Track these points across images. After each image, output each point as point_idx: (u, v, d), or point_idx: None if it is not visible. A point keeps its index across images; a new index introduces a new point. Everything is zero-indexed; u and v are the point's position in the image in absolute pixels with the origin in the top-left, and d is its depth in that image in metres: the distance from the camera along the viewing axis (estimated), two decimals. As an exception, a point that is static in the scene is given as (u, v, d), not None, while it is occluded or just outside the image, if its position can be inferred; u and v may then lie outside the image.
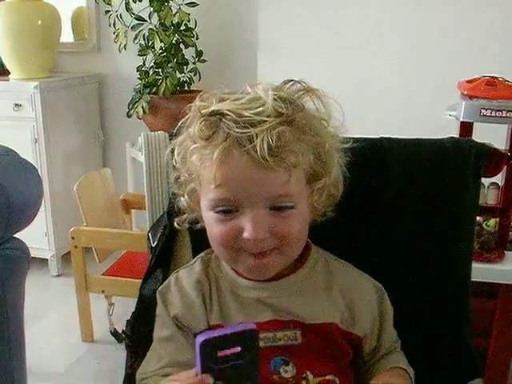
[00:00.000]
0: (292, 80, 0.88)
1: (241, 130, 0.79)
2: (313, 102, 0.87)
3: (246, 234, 0.82)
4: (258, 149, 0.78)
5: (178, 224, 0.97)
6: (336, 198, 0.92)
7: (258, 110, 0.80)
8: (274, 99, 0.82)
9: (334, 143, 0.89)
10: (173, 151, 0.92)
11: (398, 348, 0.97)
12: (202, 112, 0.83)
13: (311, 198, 0.88)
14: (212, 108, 0.83)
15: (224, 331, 0.74)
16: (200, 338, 0.73)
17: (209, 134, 0.82)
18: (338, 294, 0.92)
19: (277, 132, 0.79)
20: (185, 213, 0.95)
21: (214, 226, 0.86)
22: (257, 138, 0.78)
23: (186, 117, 0.89)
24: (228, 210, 0.83)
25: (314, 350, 0.88)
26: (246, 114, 0.80)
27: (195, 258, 0.99)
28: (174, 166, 0.93)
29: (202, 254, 0.99)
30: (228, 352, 0.73)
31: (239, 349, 0.73)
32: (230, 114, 0.80)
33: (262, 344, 0.86)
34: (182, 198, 0.93)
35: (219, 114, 0.82)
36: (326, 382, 0.87)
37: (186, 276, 0.95)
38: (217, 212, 0.84)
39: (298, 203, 0.85)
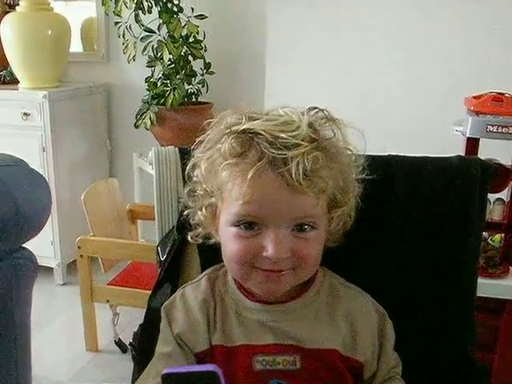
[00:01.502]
0: (316, 108, 0.89)
1: (276, 152, 0.80)
2: (332, 131, 0.88)
3: (267, 253, 0.82)
4: (293, 172, 0.79)
5: (191, 238, 0.97)
6: (347, 227, 0.93)
7: (293, 133, 0.82)
8: (309, 124, 0.84)
9: (355, 173, 0.91)
10: (194, 164, 0.92)
11: (398, 375, 0.96)
12: (233, 129, 0.84)
13: (329, 225, 0.90)
14: (244, 126, 0.83)
15: (187, 369, 0.75)
16: (164, 371, 0.74)
17: (241, 151, 0.83)
18: (340, 319, 0.92)
19: (312, 157, 0.80)
20: (199, 227, 0.95)
21: (232, 241, 0.86)
22: (292, 161, 0.79)
23: (207, 133, 0.90)
24: (251, 224, 0.83)
25: (313, 376, 0.88)
26: (281, 135, 0.81)
27: (202, 275, 0.99)
28: (189, 179, 0.94)
29: (208, 271, 0.99)
30: None
31: None
32: (264, 134, 0.81)
33: (260, 367, 0.88)
34: (199, 212, 0.93)
35: (252, 133, 0.83)
36: None
37: (192, 293, 0.95)
38: (238, 225, 0.84)
39: (319, 228, 0.86)
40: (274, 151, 0.80)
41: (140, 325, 1.04)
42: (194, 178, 0.92)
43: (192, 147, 0.93)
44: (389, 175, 1.03)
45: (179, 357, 0.91)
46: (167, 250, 1.05)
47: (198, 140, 0.91)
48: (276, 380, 0.87)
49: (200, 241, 0.97)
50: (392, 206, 1.03)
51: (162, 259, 1.06)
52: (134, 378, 1.02)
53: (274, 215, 0.82)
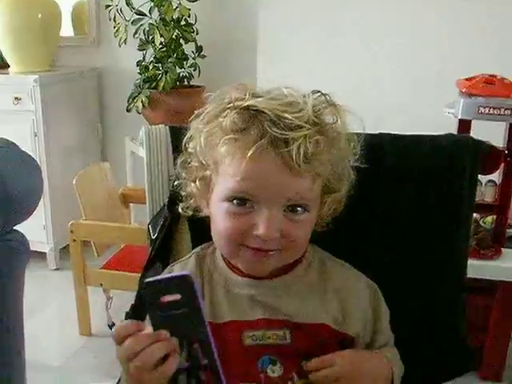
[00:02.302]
0: (319, 91, 0.88)
1: (279, 131, 0.80)
2: (334, 116, 0.87)
3: (258, 232, 0.82)
4: (294, 154, 0.79)
5: (182, 209, 0.97)
6: (337, 212, 0.93)
7: (297, 114, 0.81)
8: (313, 108, 0.83)
9: (352, 160, 0.91)
10: (191, 136, 0.92)
11: (390, 344, 0.97)
12: (236, 104, 0.84)
13: (321, 210, 0.90)
14: (248, 102, 0.83)
15: (164, 276, 0.78)
16: (144, 281, 0.76)
17: (242, 127, 0.82)
18: (331, 294, 0.92)
19: (313, 140, 0.81)
20: (190, 198, 0.95)
21: (223, 217, 0.86)
22: (293, 142, 0.79)
23: (206, 106, 0.89)
24: (244, 200, 0.83)
25: (303, 350, 0.88)
26: (285, 115, 0.81)
27: (190, 253, 0.99)
28: (185, 150, 0.93)
29: (197, 249, 0.99)
30: (169, 298, 0.74)
31: (179, 296, 0.74)
32: (267, 112, 0.81)
33: (250, 342, 0.88)
34: (192, 184, 0.93)
35: (255, 110, 0.82)
36: None
37: (180, 271, 0.95)
38: (231, 201, 0.84)
39: (311, 209, 0.86)
40: (276, 131, 0.80)
41: (131, 304, 1.04)
42: (190, 150, 0.92)
43: (190, 119, 0.92)
44: (380, 152, 1.04)
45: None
46: (158, 229, 1.05)
47: (196, 112, 0.91)
48: (267, 356, 0.87)
49: (190, 213, 0.96)
50: (383, 183, 1.04)
51: (153, 237, 1.06)
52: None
53: (269, 194, 0.82)
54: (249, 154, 0.80)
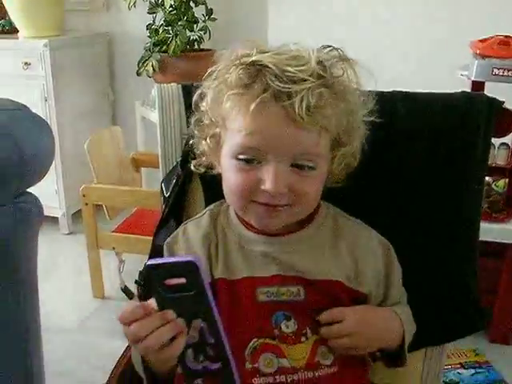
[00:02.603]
0: (330, 46, 0.87)
1: (282, 85, 0.79)
2: (346, 71, 0.87)
3: (265, 186, 0.83)
4: (296, 106, 0.79)
5: (194, 167, 0.98)
6: (351, 168, 0.93)
7: (301, 68, 0.81)
8: (317, 61, 0.83)
9: (363, 114, 0.90)
10: (202, 94, 0.92)
11: (402, 301, 0.98)
12: (242, 60, 0.84)
13: (331, 164, 0.90)
14: (253, 58, 0.83)
15: (168, 260, 0.78)
16: (148, 263, 0.75)
17: (247, 82, 0.82)
18: (344, 251, 0.92)
19: (317, 93, 0.80)
20: (202, 156, 0.96)
21: (232, 173, 0.86)
22: (296, 95, 0.79)
23: (218, 64, 0.89)
24: (251, 159, 0.84)
25: (317, 306, 0.89)
26: (288, 69, 0.80)
27: (204, 210, 1.00)
28: (196, 109, 0.94)
29: (211, 206, 1.00)
30: (174, 281, 0.74)
31: (184, 280, 0.74)
32: (271, 66, 0.81)
33: (264, 298, 0.88)
34: (204, 142, 0.93)
35: (260, 65, 0.82)
36: (324, 340, 0.87)
37: (194, 229, 0.96)
38: (239, 159, 0.84)
39: (319, 165, 0.86)
40: (279, 84, 0.80)
41: (145, 263, 1.05)
42: (202, 108, 0.92)
43: (203, 78, 0.92)
44: (392, 110, 1.03)
45: None
46: (171, 187, 1.06)
47: (209, 71, 0.91)
48: (281, 312, 0.88)
49: (202, 170, 0.97)
50: (394, 141, 1.03)
51: (166, 195, 1.06)
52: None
53: (275, 148, 0.82)
54: (251, 108, 0.80)
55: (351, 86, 0.88)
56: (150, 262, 0.75)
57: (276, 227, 0.90)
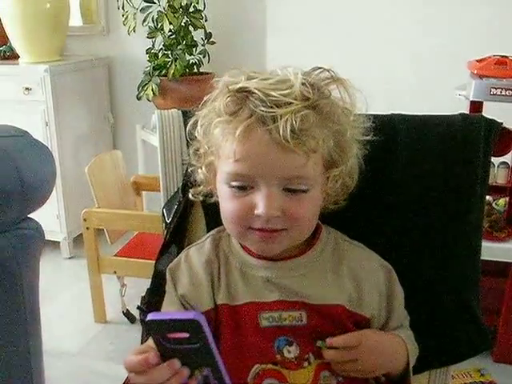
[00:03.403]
0: (321, 68, 0.88)
1: (266, 109, 0.80)
2: (339, 91, 0.87)
3: (258, 211, 0.83)
4: (281, 129, 0.79)
5: (192, 195, 0.98)
6: (349, 188, 0.93)
7: (286, 91, 0.81)
8: (302, 83, 0.83)
9: (354, 133, 0.90)
10: (196, 123, 0.93)
11: (405, 325, 0.97)
12: (230, 88, 0.84)
13: (326, 185, 0.90)
14: (240, 85, 0.84)
15: (169, 316, 0.76)
16: (147, 318, 0.74)
17: (234, 109, 0.83)
18: (346, 275, 0.92)
19: (301, 115, 0.80)
20: (200, 185, 0.96)
21: (227, 200, 0.87)
22: (281, 118, 0.79)
23: (214, 92, 0.89)
24: (243, 186, 0.84)
25: (319, 331, 0.88)
26: (273, 93, 0.81)
27: (206, 236, 1.00)
28: (191, 138, 0.95)
29: (213, 232, 1.00)
30: (177, 335, 0.74)
31: (187, 335, 0.74)
32: (257, 92, 0.81)
33: (267, 324, 0.88)
34: (200, 170, 0.94)
35: (246, 92, 0.83)
36: (327, 364, 0.87)
37: (196, 254, 0.97)
38: (232, 187, 0.85)
39: (312, 188, 0.86)
40: (263, 109, 0.80)
41: (147, 288, 1.05)
42: (197, 137, 0.93)
43: (199, 107, 0.93)
44: (392, 133, 1.03)
45: None
46: (173, 212, 1.06)
47: (204, 100, 0.92)
48: (283, 337, 0.88)
49: (201, 198, 0.98)
50: (395, 165, 1.03)
51: (168, 221, 1.06)
52: (143, 341, 1.03)
53: (264, 173, 0.82)
54: (237, 134, 0.81)
55: (340, 105, 0.88)
56: (150, 317, 0.74)
57: (275, 252, 0.90)
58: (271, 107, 0.80)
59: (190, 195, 0.99)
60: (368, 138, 0.92)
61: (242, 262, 0.94)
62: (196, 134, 0.93)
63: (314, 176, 0.85)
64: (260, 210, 0.83)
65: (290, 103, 0.80)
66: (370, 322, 0.92)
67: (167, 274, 0.96)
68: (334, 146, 0.87)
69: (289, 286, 0.90)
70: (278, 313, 0.89)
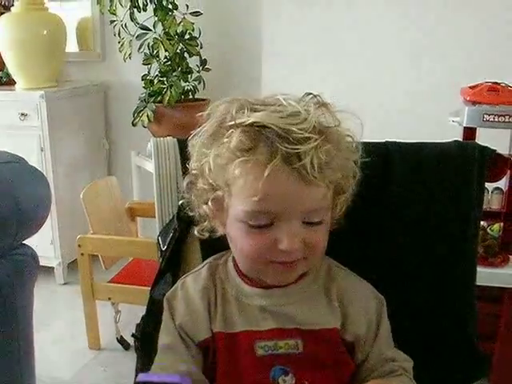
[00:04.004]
0: (311, 93, 0.88)
1: (290, 146, 0.79)
2: (325, 116, 0.87)
3: (283, 246, 0.83)
4: (308, 167, 0.79)
5: (198, 233, 0.97)
6: (347, 208, 0.93)
7: (303, 125, 0.81)
8: (316, 116, 0.83)
9: (355, 158, 0.91)
10: (193, 158, 0.91)
11: (404, 371, 0.93)
12: (238, 122, 0.83)
13: (334, 211, 0.91)
14: (252, 120, 0.82)
15: (156, 378, 0.78)
16: (138, 378, 0.77)
17: (250, 146, 0.81)
18: (334, 298, 0.92)
19: (324, 150, 0.81)
20: (204, 220, 0.95)
21: (244, 237, 0.86)
22: (305, 156, 0.79)
23: (203, 125, 0.89)
24: (263, 224, 0.83)
25: (315, 359, 0.88)
26: (293, 129, 0.80)
27: (203, 264, 1.00)
28: (185, 171, 0.94)
29: (209, 259, 1.00)
30: None
31: None
32: (273, 127, 0.81)
33: (262, 352, 0.88)
34: (204, 206, 0.92)
35: (259, 126, 0.82)
36: None
37: (193, 282, 0.96)
38: (251, 224, 0.84)
39: (326, 216, 0.87)
40: (287, 146, 0.79)
41: (142, 316, 1.04)
42: (194, 171, 0.91)
43: (183, 138, 0.92)
44: (386, 160, 1.04)
45: (180, 347, 0.92)
46: (168, 240, 1.05)
47: (194, 133, 0.91)
48: (279, 366, 0.87)
49: (206, 235, 0.96)
50: (389, 191, 1.04)
51: (163, 249, 1.06)
52: (138, 369, 1.02)
53: (287, 209, 0.82)
54: (265, 175, 0.79)
55: (342, 132, 0.88)
56: (139, 378, 0.77)
57: (292, 280, 0.91)
58: (293, 143, 0.79)
59: (196, 232, 0.97)
60: (364, 159, 0.92)
61: (238, 290, 0.93)
62: (193, 169, 0.92)
63: (329, 205, 0.87)
64: (285, 245, 0.83)
65: (310, 138, 0.80)
66: (355, 346, 0.92)
67: (164, 303, 0.96)
68: (343, 173, 0.88)
69: (284, 314, 0.90)
70: (273, 341, 0.89)
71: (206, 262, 1.00)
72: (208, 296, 0.93)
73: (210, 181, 0.88)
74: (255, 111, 0.84)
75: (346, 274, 0.97)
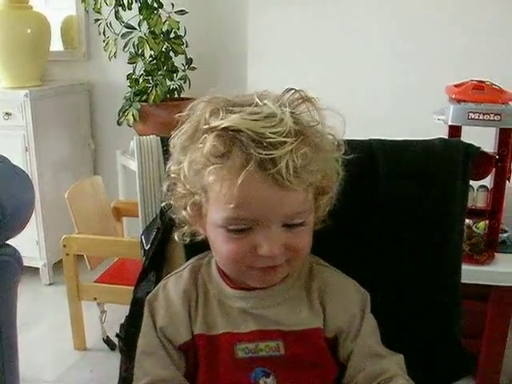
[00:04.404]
0: (293, 89, 0.86)
1: (264, 152, 0.77)
2: (309, 111, 0.85)
3: (261, 251, 0.81)
4: (284, 172, 0.77)
5: (178, 238, 0.95)
6: (331, 207, 0.92)
7: (277, 129, 0.78)
8: (292, 118, 0.80)
9: (337, 157, 0.89)
10: (173, 162, 0.89)
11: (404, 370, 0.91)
12: (212, 126, 0.81)
13: (316, 212, 0.89)
14: (225, 124, 0.79)
15: None
16: None
17: (224, 151, 0.79)
18: (315, 296, 0.91)
19: (300, 154, 0.78)
20: (184, 225, 0.93)
21: (224, 242, 0.84)
22: (280, 161, 0.76)
23: (182, 126, 0.87)
24: (242, 229, 0.82)
25: (297, 361, 0.88)
26: (266, 133, 0.77)
27: (186, 264, 0.98)
28: (168, 176, 0.91)
29: (193, 260, 0.99)
30: None
31: None
32: (247, 131, 0.78)
33: (243, 355, 0.87)
34: (183, 211, 0.90)
35: (233, 131, 0.79)
36: None
37: (174, 284, 0.95)
38: (229, 230, 0.82)
39: (308, 219, 0.85)
40: (261, 151, 0.77)
41: (126, 316, 1.03)
42: (173, 175, 0.89)
43: (165, 137, 0.91)
44: (371, 158, 1.04)
45: (161, 351, 0.91)
46: (151, 239, 1.05)
47: (174, 133, 0.89)
48: (260, 368, 0.87)
49: (187, 239, 0.94)
50: (375, 190, 1.04)
51: (147, 248, 1.05)
52: (122, 370, 1.02)
53: (265, 215, 0.80)
54: (238, 182, 0.77)
55: (324, 133, 0.86)
56: None
57: (276, 282, 0.89)
58: (268, 148, 0.77)
59: (176, 238, 0.95)
60: (345, 157, 0.90)
61: (220, 291, 0.92)
62: (172, 173, 0.90)
63: (309, 208, 0.85)
64: (264, 250, 0.81)
65: (285, 142, 0.77)
66: (337, 340, 0.90)
67: (145, 305, 0.95)
68: (323, 174, 0.86)
69: (265, 316, 0.89)
70: (254, 343, 0.88)
71: (189, 262, 0.99)
72: (189, 298, 0.92)
73: (188, 186, 0.86)
74: (231, 113, 0.81)
75: (327, 271, 0.95)
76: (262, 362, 0.87)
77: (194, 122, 0.85)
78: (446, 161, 1.04)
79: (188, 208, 0.89)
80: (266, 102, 0.82)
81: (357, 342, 0.90)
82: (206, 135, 0.81)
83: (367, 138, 1.07)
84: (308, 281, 0.93)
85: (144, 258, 1.06)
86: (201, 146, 0.81)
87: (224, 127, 0.79)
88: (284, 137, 0.77)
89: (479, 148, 1.06)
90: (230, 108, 0.82)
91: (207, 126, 0.81)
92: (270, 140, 0.77)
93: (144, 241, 1.06)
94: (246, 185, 0.78)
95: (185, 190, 0.87)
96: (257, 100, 0.83)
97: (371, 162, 1.03)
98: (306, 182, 0.80)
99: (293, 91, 0.86)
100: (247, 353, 0.87)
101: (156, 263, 1.05)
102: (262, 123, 0.79)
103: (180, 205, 0.90)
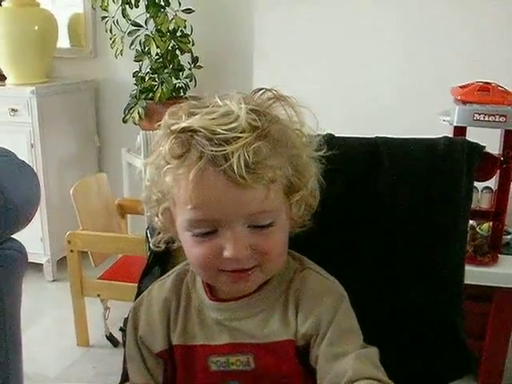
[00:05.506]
0: (263, 88, 0.84)
1: (215, 149, 0.75)
2: (285, 110, 0.83)
3: (226, 254, 0.78)
4: (235, 167, 0.74)
5: (153, 246, 0.94)
6: (313, 207, 0.89)
7: (232, 125, 0.76)
8: (248, 113, 0.77)
9: (309, 153, 0.86)
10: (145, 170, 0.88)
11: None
12: (172, 129, 0.79)
13: (290, 211, 0.85)
14: (182, 125, 0.78)
15: None
16: None
17: (181, 152, 0.78)
18: (291, 303, 0.87)
19: (253, 148, 0.75)
20: (160, 233, 0.92)
21: (191, 246, 0.82)
22: (232, 156, 0.74)
23: (158, 136, 0.85)
24: (206, 232, 0.80)
25: (268, 374, 0.85)
26: (219, 130, 0.75)
27: (172, 270, 0.97)
28: (145, 186, 0.89)
29: (179, 266, 0.97)
30: None
31: None
32: (202, 130, 0.76)
33: (215, 368, 0.87)
34: (156, 218, 0.89)
35: (190, 131, 0.77)
36: None
37: (158, 291, 0.94)
38: (194, 233, 0.81)
39: (277, 218, 0.82)
40: (213, 148, 0.75)
41: (129, 310, 1.04)
42: (147, 182, 0.88)
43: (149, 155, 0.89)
44: (375, 156, 1.03)
45: (137, 359, 0.92)
46: (156, 234, 1.05)
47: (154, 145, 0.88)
48: (232, 381, 0.86)
49: (162, 247, 0.93)
50: (380, 187, 1.03)
51: (151, 242, 1.05)
52: (125, 364, 1.02)
53: (225, 215, 0.78)
54: (190, 179, 0.76)
55: (291, 127, 0.84)
56: None
57: (251, 290, 0.86)
58: (220, 145, 0.75)
59: (152, 246, 0.94)
60: (321, 153, 0.87)
61: (202, 300, 0.91)
62: (146, 182, 0.88)
63: (277, 206, 0.81)
64: (228, 252, 0.78)
65: (239, 137, 0.75)
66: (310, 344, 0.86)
67: (130, 312, 0.94)
68: (292, 171, 0.82)
69: (237, 328, 0.87)
70: (225, 357, 0.86)
71: (176, 268, 0.97)
72: (168, 307, 0.91)
73: (155, 190, 0.85)
74: (192, 115, 0.80)
75: (311, 275, 0.90)
76: (233, 376, 0.86)
77: (162, 128, 0.84)
78: (451, 160, 1.03)
79: (159, 215, 0.88)
80: (226, 101, 0.81)
81: (322, 346, 0.84)
82: (166, 138, 0.81)
83: (373, 136, 1.07)
84: (288, 288, 0.88)
85: (149, 253, 1.06)
86: (161, 148, 0.81)
87: (181, 128, 0.78)
88: (240, 132, 0.76)
89: (484, 147, 1.06)
90: (191, 110, 0.81)
91: (168, 130, 0.80)
92: (225, 136, 0.75)
93: (149, 235, 1.06)
94: (199, 183, 0.76)
95: (156, 196, 0.86)
96: (217, 100, 0.81)
97: (375, 158, 1.03)
98: (263, 178, 0.77)
99: (263, 90, 0.84)
100: (219, 366, 0.86)
101: (161, 258, 1.05)
102: (218, 121, 0.77)
103: (153, 212, 0.89)
